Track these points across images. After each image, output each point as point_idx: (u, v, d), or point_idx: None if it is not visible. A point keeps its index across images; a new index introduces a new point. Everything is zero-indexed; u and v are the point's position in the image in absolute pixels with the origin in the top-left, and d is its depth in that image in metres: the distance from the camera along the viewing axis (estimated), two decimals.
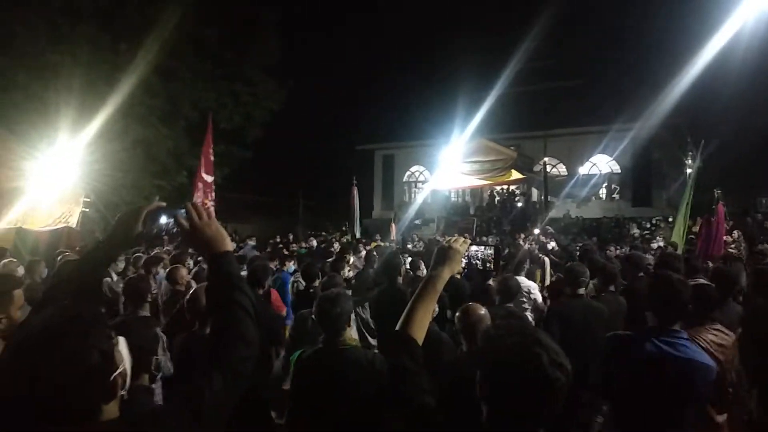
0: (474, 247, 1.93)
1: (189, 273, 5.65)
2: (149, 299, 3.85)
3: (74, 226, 8.69)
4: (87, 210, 9.37)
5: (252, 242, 13.54)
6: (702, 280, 3.30)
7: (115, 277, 5.86)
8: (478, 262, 1.96)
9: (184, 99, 17.01)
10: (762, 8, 8.42)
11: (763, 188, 22.90)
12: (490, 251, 1.97)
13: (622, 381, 2.50)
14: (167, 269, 5.54)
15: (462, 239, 1.90)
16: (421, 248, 11.86)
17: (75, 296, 1.55)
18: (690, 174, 8.87)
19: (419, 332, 1.64)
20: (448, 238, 1.91)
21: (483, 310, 2.94)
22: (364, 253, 9.10)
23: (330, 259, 7.69)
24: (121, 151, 14.47)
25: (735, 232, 12.15)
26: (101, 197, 12.76)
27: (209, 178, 10.03)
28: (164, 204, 1.76)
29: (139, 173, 15.71)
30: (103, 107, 12.41)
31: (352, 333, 2.94)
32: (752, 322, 2.96)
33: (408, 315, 1.67)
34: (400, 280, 4.90)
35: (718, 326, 2.93)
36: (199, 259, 6.97)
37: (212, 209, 9.44)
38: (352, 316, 3.67)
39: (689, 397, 2.38)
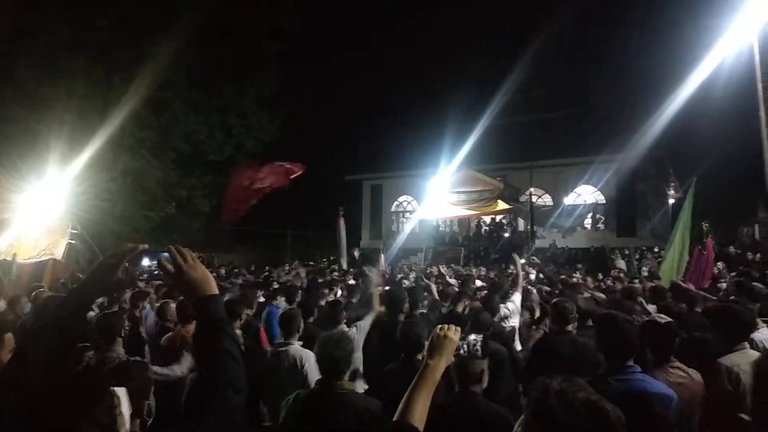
0: (472, 336, 1.99)
1: None
2: (122, 335, 3.82)
3: (59, 257, 8.69)
4: (73, 241, 9.40)
5: (239, 281, 12.88)
6: (661, 318, 3.29)
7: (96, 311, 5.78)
8: (477, 348, 1.99)
9: (175, 130, 17.14)
10: (741, 47, 8.75)
11: (745, 219, 23.33)
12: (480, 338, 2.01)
13: None
14: (154, 304, 5.52)
15: (455, 327, 1.91)
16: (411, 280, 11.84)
17: (60, 343, 1.54)
18: (683, 205, 9.04)
19: (420, 422, 1.65)
20: (441, 326, 1.92)
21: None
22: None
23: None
24: (110, 181, 14.53)
25: (719, 263, 12.33)
26: (88, 227, 12.74)
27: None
28: (146, 246, 1.74)
29: (127, 204, 15.75)
30: (94, 139, 12.50)
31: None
32: None
33: (407, 404, 1.68)
34: (402, 316, 4.82)
35: (677, 364, 2.96)
36: None
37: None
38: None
39: (655, 429, 2.38)
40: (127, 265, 1.62)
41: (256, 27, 18.36)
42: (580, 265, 16.81)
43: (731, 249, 18.02)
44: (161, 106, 16.32)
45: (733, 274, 11.13)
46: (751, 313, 3.48)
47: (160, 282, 9.13)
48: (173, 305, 4.87)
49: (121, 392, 1.29)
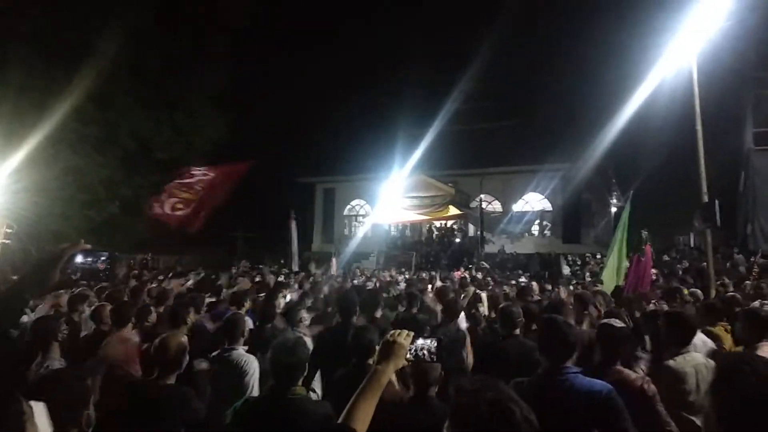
0: (420, 341, 1.94)
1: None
2: (59, 339, 3.62)
3: None
4: (8, 241, 8.91)
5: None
6: (614, 322, 3.36)
7: (32, 315, 5.45)
8: (425, 353, 1.95)
9: (121, 127, 16.51)
10: (681, 66, 9.19)
11: (681, 228, 24.50)
12: (434, 343, 1.97)
13: None
14: (93, 307, 5.21)
15: (406, 333, 1.92)
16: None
17: None
18: (621, 215, 9.41)
19: (362, 425, 1.66)
20: (392, 332, 1.93)
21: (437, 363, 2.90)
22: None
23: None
24: (51, 179, 13.87)
25: (653, 270, 12.88)
26: (26, 226, 12.13)
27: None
28: (88, 246, 1.66)
29: (68, 202, 15.06)
30: (33, 133, 11.92)
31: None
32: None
33: (351, 407, 1.70)
34: (355, 318, 4.76)
35: (619, 366, 3.07)
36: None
37: None
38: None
39: (595, 426, 2.49)
40: (65, 264, 1.55)
41: (202, 22, 17.96)
42: (520, 271, 17.24)
43: (665, 257, 18.89)
44: (105, 101, 15.69)
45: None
46: (694, 318, 3.66)
47: (101, 285, 8.79)
48: (109, 308, 4.66)
49: (38, 408, 1.21)
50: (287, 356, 2.70)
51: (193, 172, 8.45)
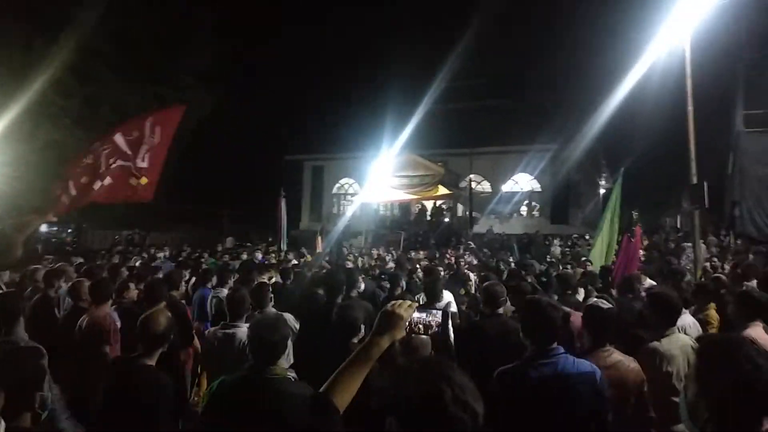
0: (416, 314, 1.80)
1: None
2: (23, 316, 3.53)
3: None
4: None
5: (165, 253, 12.62)
6: (603, 303, 3.28)
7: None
8: (420, 327, 1.82)
9: (104, 101, 16.15)
10: (673, 47, 9.08)
11: (668, 209, 24.69)
12: (429, 317, 1.84)
13: (516, 412, 2.55)
14: (70, 283, 5.05)
15: (408, 303, 1.79)
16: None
17: None
18: (611, 194, 9.35)
19: (342, 398, 1.59)
20: (393, 302, 1.80)
21: (425, 336, 2.76)
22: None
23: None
24: (30, 153, 13.56)
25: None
26: (5, 201, 11.88)
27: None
28: (55, 219, 1.53)
29: (50, 176, 14.77)
30: (10, 106, 11.60)
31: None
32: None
33: (335, 378, 1.62)
34: (340, 298, 4.65)
35: (611, 349, 2.98)
36: None
37: None
38: None
39: (584, 407, 2.46)
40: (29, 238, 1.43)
41: None
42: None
43: (654, 238, 18.98)
44: (88, 74, 15.31)
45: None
46: (679, 298, 3.57)
47: (81, 261, 8.64)
48: (87, 284, 4.51)
49: None
50: (270, 334, 2.56)
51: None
